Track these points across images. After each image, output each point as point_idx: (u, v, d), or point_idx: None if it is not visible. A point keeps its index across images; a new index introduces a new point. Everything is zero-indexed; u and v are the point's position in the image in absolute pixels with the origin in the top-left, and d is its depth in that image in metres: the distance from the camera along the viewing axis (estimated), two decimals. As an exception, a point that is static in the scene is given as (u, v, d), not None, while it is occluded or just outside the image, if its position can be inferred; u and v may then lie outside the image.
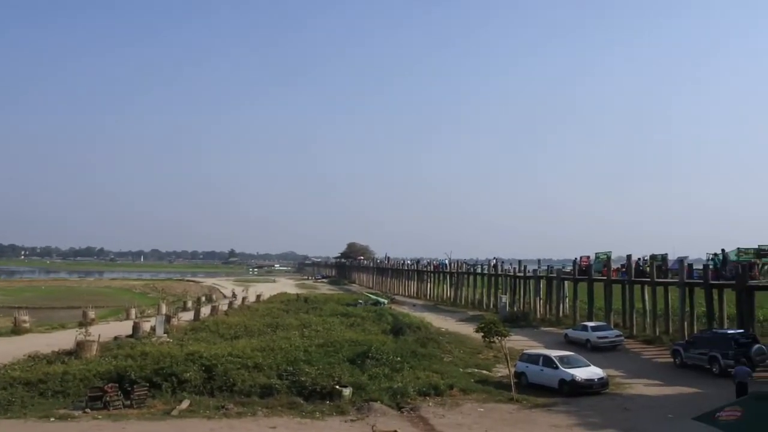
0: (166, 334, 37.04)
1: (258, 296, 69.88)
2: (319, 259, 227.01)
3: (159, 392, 24.13)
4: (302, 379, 24.87)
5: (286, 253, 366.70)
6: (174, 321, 42.31)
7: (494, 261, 64.64)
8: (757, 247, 34.72)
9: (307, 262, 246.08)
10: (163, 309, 50.44)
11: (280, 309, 53.22)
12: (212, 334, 36.68)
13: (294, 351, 29.00)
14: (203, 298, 70.68)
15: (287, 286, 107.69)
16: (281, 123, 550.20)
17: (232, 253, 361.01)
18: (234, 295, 73.01)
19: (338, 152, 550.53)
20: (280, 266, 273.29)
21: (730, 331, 29.99)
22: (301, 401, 23.50)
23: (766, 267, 32.91)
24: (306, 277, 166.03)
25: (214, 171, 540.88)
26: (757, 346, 28.42)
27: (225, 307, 55.68)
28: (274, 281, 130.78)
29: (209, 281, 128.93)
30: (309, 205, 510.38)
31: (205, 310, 51.97)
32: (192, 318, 46.60)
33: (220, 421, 21.22)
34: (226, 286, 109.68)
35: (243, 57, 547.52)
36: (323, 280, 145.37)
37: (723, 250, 36.14)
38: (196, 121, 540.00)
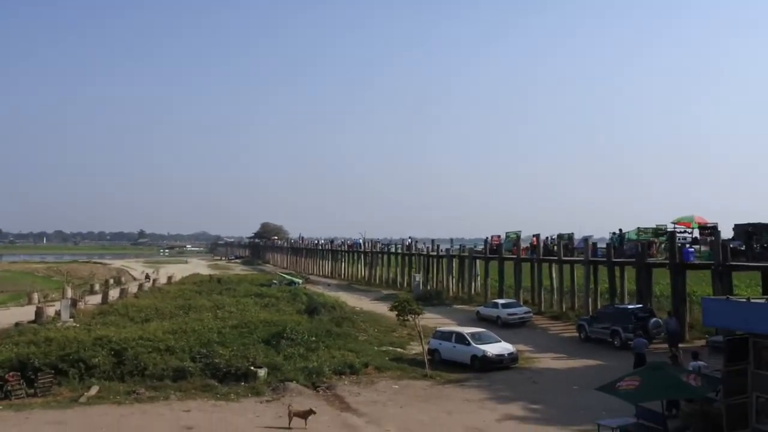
0: (72, 319, 35.68)
1: (169, 278, 68.17)
2: (232, 240, 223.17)
3: (66, 379, 23.38)
4: (216, 361, 24.62)
5: (198, 234, 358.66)
6: (80, 305, 40.74)
7: (408, 240, 65.43)
8: (655, 226, 36.57)
9: (220, 242, 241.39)
10: (69, 293, 48.33)
11: (193, 290, 52.18)
12: (122, 317, 35.64)
13: (207, 333, 28.64)
14: (111, 281, 68.35)
15: (200, 267, 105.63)
16: (199, 103, 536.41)
17: (141, 234, 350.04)
18: (147, 277, 70.98)
19: (252, 133, 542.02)
20: (192, 247, 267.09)
21: (630, 306, 31.61)
22: (216, 383, 23.30)
23: (663, 245, 34.69)
24: (219, 258, 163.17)
25: (123, 148, 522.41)
26: (654, 319, 30.12)
27: (135, 290, 54.07)
28: (186, 262, 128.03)
29: (117, 263, 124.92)
30: (221, 185, 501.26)
31: (114, 293, 50.33)
32: (100, 302, 45.02)
33: (132, 407, 20.79)
34: (136, 267, 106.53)
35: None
36: (237, 260, 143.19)
37: (620, 230, 38.05)
38: (83, 95, 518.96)
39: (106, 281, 66.82)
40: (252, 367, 24.20)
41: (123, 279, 74.88)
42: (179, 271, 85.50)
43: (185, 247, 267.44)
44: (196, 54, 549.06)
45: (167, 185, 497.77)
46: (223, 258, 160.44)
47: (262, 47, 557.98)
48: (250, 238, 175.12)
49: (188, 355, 25.46)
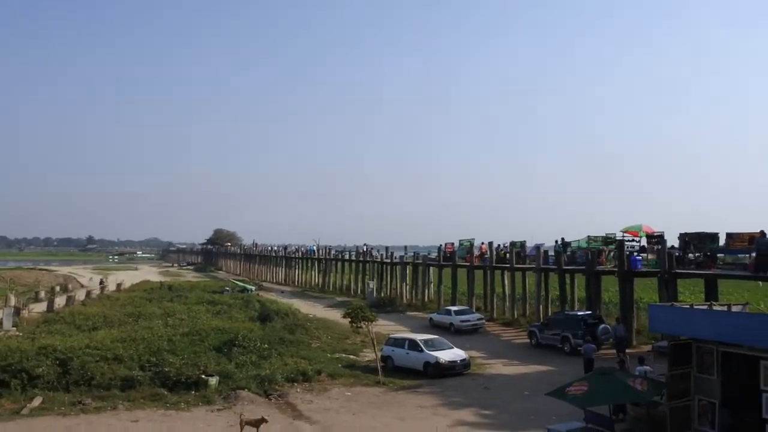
0: (15, 328, 34.71)
1: (118, 285, 66.79)
2: (184, 246, 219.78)
3: (7, 391, 22.73)
4: (166, 369, 24.25)
5: (149, 240, 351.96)
6: (24, 313, 39.69)
7: (364, 247, 65.36)
8: (604, 235, 37.37)
9: (171, 248, 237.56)
10: (12, 300, 46.82)
11: (143, 298, 51.17)
12: (68, 326, 34.72)
13: (157, 341, 28.17)
14: (58, 288, 66.56)
15: (150, 273, 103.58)
16: (147, 104, 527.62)
17: (90, 240, 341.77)
18: (102, 283, 69.31)
19: (204, 137, 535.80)
20: (143, 253, 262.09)
21: (579, 313, 32.18)
22: (165, 392, 22.93)
23: (612, 254, 35.45)
24: (170, 265, 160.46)
25: (71, 150, 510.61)
26: (602, 326, 30.74)
27: (82, 297, 52.82)
28: (136, 269, 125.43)
29: (65, 270, 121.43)
30: (173, 190, 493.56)
31: (60, 301, 49.00)
32: (45, 309, 43.88)
33: (77, 418, 20.29)
34: (84, 274, 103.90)
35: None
36: (189, 267, 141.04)
37: (563, 238, 39.35)
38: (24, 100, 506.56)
39: (52, 288, 65.00)
40: (203, 376, 23.88)
41: (70, 286, 73.03)
42: (129, 277, 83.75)
43: (135, 253, 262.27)
44: (149, 49, 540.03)
45: (118, 190, 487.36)
46: (175, 264, 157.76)
47: (208, 47, 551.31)
48: (203, 244, 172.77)
49: (137, 363, 25.00)
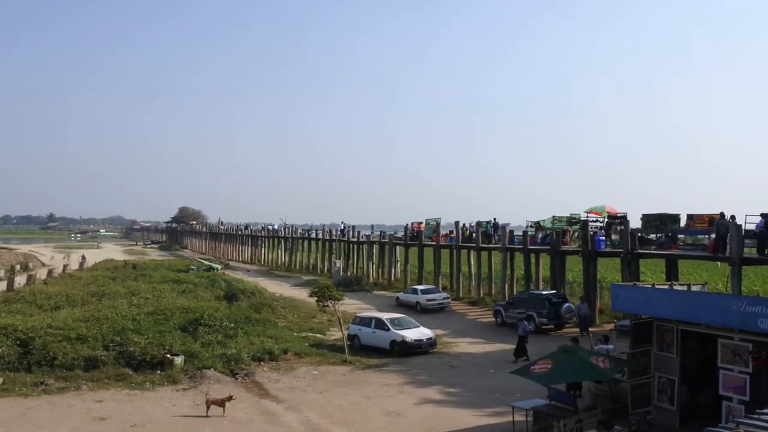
0: (-26, 307, 33.92)
1: (81, 263, 65.74)
2: (148, 224, 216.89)
3: (-34, 371, 22.25)
4: (131, 349, 24.03)
5: (113, 218, 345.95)
6: (-17, 292, 38.85)
7: (342, 226, 64.51)
8: (569, 215, 37.84)
9: (135, 226, 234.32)
10: (-30, 280, 46.08)
11: (106, 277, 50.50)
12: (29, 305, 34.09)
13: (121, 320, 27.88)
14: (18, 267, 65.24)
15: (114, 252, 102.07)
16: (112, 76, 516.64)
17: (51, 218, 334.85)
18: (82, 260, 68.01)
19: (168, 115, 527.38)
20: (106, 231, 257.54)
21: (544, 292, 32.61)
22: (130, 372, 22.76)
23: (576, 234, 35.91)
24: (135, 243, 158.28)
25: (32, 126, 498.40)
26: (566, 305, 31.25)
27: (44, 276, 51.88)
28: (99, 247, 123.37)
29: (25, 248, 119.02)
30: (137, 167, 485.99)
31: (21, 280, 48.04)
32: (5, 289, 43.01)
33: (39, 398, 20.02)
34: (45, 253, 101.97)
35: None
36: (153, 245, 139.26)
37: (494, 219, 41.92)
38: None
39: (12, 267, 63.65)
40: (168, 355, 23.72)
41: (31, 265, 71.70)
42: (92, 256, 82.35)
43: (98, 231, 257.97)
44: (111, 21, 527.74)
45: (79, 166, 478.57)
46: (139, 243, 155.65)
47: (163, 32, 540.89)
48: (168, 222, 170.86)
49: (101, 343, 24.71)
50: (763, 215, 25.05)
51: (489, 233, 42.15)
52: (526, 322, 26.73)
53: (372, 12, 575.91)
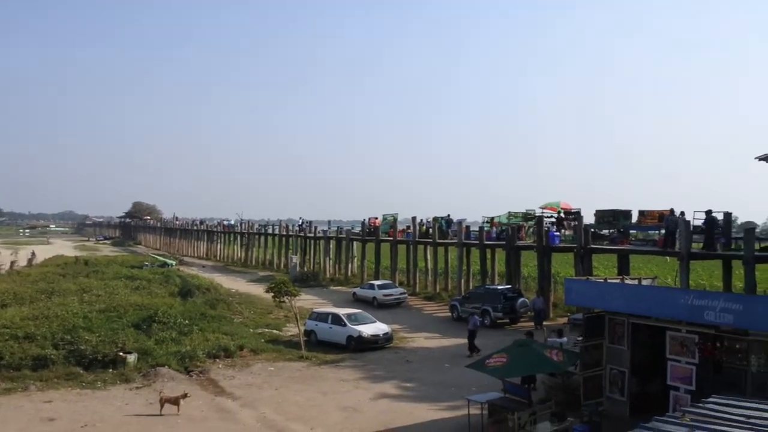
0: None
1: (30, 260, 64.08)
2: (101, 219, 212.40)
3: None
4: (82, 347, 23.49)
5: (64, 213, 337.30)
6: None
7: (300, 221, 64.06)
8: (524, 211, 38.34)
9: (87, 222, 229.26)
10: None
11: (56, 273, 49.31)
12: (-26, 303, 33.15)
13: (72, 318, 27.31)
14: (-38, 264, 63.27)
15: (65, 248, 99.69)
16: (61, 78, 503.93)
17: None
18: (33, 255, 66.21)
19: (121, 108, 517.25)
20: (57, 227, 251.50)
21: (499, 287, 32.99)
22: (81, 371, 22.27)
23: (531, 229, 36.39)
24: (86, 239, 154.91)
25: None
26: (521, 299, 31.67)
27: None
28: (49, 243, 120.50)
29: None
30: (90, 161, 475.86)
31: (-34, 277, 46.71)
32: (-51, 286, 41.63)
33: (-15, 399, 19.46)
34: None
35: None
36: (106, 241, 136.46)
37: (449, 215, 42.87)
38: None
39: (-44, 264, 61.80)
40: (121, 353, 23.29)
41: (-24, 262, 69.57)
42: (41, 252, 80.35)
43: (48, 226, 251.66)
44: (62, 10, 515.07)
45: (28, 160, 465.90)
46: (91, 239, 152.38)
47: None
48: (121, 218, 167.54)
49: (50, 342, 24.10)
50: (707, 212, 25.80)
51: (443, 229, 42.50)
52: (476, 317, 27.00)
53: (343, 11, 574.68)
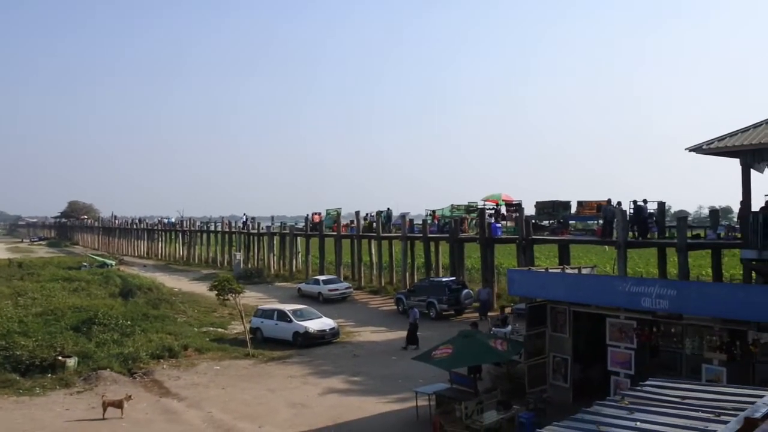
0: None
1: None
2: (35, 220, 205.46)
3: None
4: (18, 353, 22.64)
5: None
6: None
7: (244, 217, 63.15)
8: (467, 204, 38.81)
9: (20, 222, 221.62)
10: None
11: (-12, 277, 47.61)
12: None
13: (6, 322, 26.41)
14: None
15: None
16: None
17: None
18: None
19: (52, 104, 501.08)
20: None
21: (444, 279, 33.36)
22: (17, 377, 21.47)
23: (474, 222, 36.87)
24: (20, 240, 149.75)
25: None
26: (465, 291, 32.10)
27: None
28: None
29: None
30: (21, 159, 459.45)
31: None
32: None
33: None
34: None
35: None
36: (41, 242, 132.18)
37: (389, 208, 43.92)
38: None
39: None
40: (60, 357, 22.61)
41: None
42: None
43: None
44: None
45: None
46: (25, 240, 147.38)
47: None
48: (56, 217, 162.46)
49: (-16, 348, 23.23)
50: (634, 202, 26.64)
51: (383, 223, 42.80)
52: (416, 310, 27.25)
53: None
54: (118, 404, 17.71)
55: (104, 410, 17.62)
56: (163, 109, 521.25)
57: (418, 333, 25.53)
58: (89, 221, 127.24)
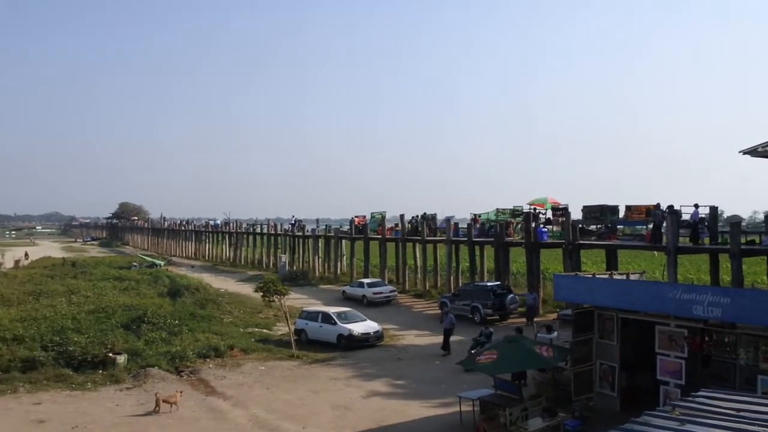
0: None
1: (17, 261, 63.64)
2: (88, 220, 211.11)
3: None
4: (71, 349, 23.30)
5: (50, 214, 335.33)
6: None
7: (293, 220, 63.83)
8: (512, 207, 38.45)
9: (74, 223, 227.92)
10: None
11: (44, 275, 49.04)
12: (-39, 305, 32.90)
13: (61, 319, 27.22)
14: (-51, 266, 62.68)
15: (52, 249, 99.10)
16: (46, 79, 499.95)
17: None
18: (25, 256, 65.81)
19: (105, 108, 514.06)
20: (43, 228, 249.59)
21: (489, 284, 33.07)
22: (70, 373, 22.10)
23: (519, 226, 36.51)
24: (73, 240, 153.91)
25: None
26: (510, 295, 31.75)
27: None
28: (35, 244, 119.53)
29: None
30: (76, 162, 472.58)
31: (-48, 279, 46.26)
32: (-65, 288, 41.26)
33: (-26, 402, 19.31)
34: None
35: None
36: (93, 242, 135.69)
37: (425, 212, 43.44)
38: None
39: (-57, 266, 61.23)
40: (110, 354, 23.16)
41: (-38, 264, 68.96)
42: (29, 253, 79.80)
43: (35, 228, 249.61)
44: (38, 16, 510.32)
45: (14, 162, 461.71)
46: (78, 240, 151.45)
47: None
48: (108, 218, 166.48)
49: (39, 343, 23.92)
50: (669, 207, 26.01)
51: (415, 225, 42.63)
52: (452, 315, 27.03)
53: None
54: (172, 400, 18.13)
55: (158, 406, 18.00)
56: (209, 116, 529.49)
57: (451, 339, 25.34)
58: (139, 222, 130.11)
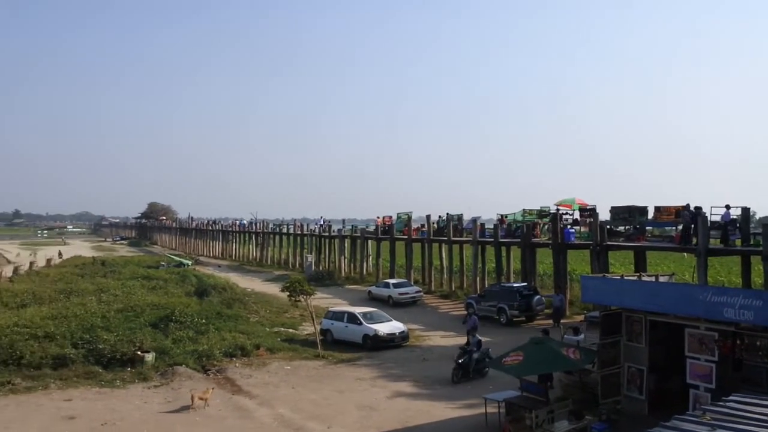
0: (-62, 305, 33.16)
1: (48, 260, 64.70)
2: (117, 220, 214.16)
3: (-68, 371, 21.74)
4: (100, 346, 23.64)
5: (81, 214, 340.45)
6: (-53, 290, 37.96)
7: (321, 220, 64.14)
8: (539, 208, 38.16)
9: (104, 222, 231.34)
10: (-66, 277, 45.01)
11: (74, 273, 49.87)
12: (-5, 303, 33.53)
13: (90, 317, 27.56)
14: (-17, 264, 63.96)
15: (82, 248, 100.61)
16: (75, 79, 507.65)
17: (16, 214, 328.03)
18: (59, 255, 66.94)
19: (134, 108, 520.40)
20: (74, 228, 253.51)
21: (515, 285, 32.84)
22: (100, 370, 22.42)
23: (546, 227, 36.23)
24: (103, 239, 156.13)
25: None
26: (537, 297, 31.54)
27: (10, 274, 50.93)
28: (66, 244, 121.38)
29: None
30: (106, 163, 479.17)
31: (-14, 278, 47.19)
32: (-30, 286, 42.09)
33: (6, 398, 19.64)
34: (11, 250, 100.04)
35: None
36: (122, 241, 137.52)
37: (447, 213, 43.26)
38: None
39: (-23, 265, 62.48)
40: (139, 352, 23.44)
41: (-4, 262, 70.35)
42: (62, 252, 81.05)
43: (66, 227, 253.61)
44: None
45: (46, 162, 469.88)
46: (108, 239, 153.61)
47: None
48: (137, 218, 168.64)
49: (69, 341, 24.27)
50: (696, 208, 25.56)
51: (440, 227, 42.47)
52: (475, 317, 26.96)
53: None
54: (206, 396, 18.35)
55: (193, 402, 18.29)
56: (245, 113, 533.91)
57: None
58: (167, 222, 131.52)
